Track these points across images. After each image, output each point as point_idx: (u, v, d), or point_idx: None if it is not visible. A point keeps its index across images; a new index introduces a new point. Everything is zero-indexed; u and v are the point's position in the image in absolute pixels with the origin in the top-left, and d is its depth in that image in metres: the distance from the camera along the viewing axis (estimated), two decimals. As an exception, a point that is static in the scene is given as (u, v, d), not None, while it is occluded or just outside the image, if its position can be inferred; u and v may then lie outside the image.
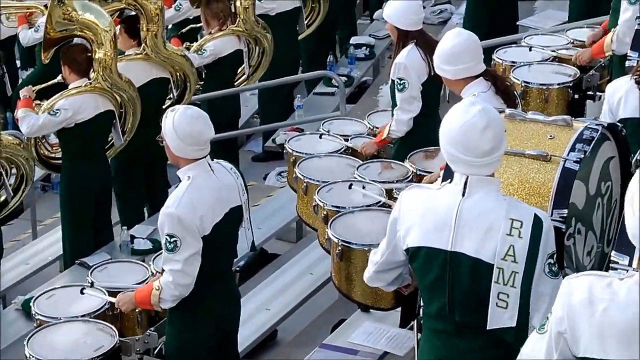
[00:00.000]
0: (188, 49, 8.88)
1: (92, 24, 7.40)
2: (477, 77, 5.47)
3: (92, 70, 7.51)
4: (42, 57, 7.68)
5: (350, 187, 5.92)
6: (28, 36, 9.87)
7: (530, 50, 7.42)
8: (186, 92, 8.36)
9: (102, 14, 7.50)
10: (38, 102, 7.56)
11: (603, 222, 4.45)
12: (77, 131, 7.43)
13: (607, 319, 2.85)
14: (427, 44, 6.45)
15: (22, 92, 7.57)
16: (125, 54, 7.98)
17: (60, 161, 7.78)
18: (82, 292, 5.52)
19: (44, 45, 7.55)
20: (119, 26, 8.09)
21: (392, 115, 6.72)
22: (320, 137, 6.93)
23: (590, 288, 2.90)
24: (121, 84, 7.59)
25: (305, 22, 10.30)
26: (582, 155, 4.14)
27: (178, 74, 8.28)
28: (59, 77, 7.61)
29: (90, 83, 7.47)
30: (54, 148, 7.91)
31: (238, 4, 9.08)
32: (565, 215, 4.07)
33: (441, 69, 5.51)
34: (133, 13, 8.05)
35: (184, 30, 9.43)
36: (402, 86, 6.50)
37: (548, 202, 4.09)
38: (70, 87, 7.48)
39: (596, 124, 4.34)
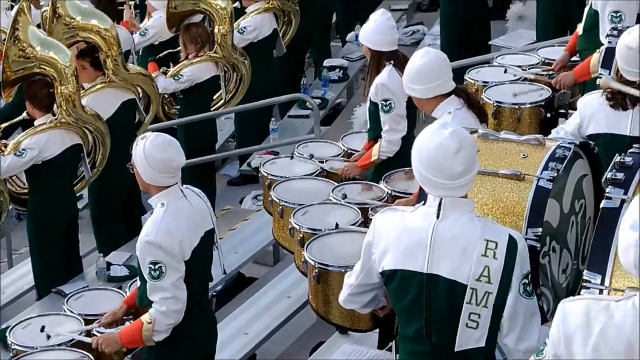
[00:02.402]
0: (165, 73, 8.89)
1: (51, 59, 7.27)
2: (448, 95, 5.50)
3: (55, 105, 7.37)
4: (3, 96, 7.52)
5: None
6: None
7: (505, 72, 7.45)
8: (150, 107, 8.31)
9: (62, 49, 7.37)
10: (5, 141, 7.47)
11: (577, 240, 4.46)
12: (44, 168, 7.33)
13: (603, 341, 2.87)
14: (403, 64, 6.48)
15: None
16: (88, 85, 7.94)
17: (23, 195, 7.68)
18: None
19: (3, 85, 7.39)
20: (81, 60, 8.04)
21: (368, 136, 6.75)
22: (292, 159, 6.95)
23: (587, 310, 2.92)
24: (86, 117, 7.47)
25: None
26: (555, 174, 4.16)
27: (140, 92, 8.22)
28: (24, 114, 7.51)
29: (56, 118, 7.33)
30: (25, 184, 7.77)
31: (216, 30, 9.09)
32: (539, 233, 4.08)
33: (411, 89, 5.53)
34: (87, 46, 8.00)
35: (161, 55, 9.43)
36: (388, 107, 6.52)
37: (522, 221, 4.10)
38: (35, 123, 7.37)
39: (568, 143, 4.37)
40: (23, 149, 7.23)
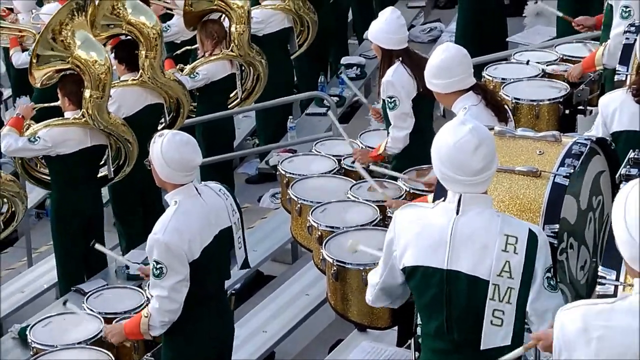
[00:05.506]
0: (182, 70, 8.90)
1: (87, 62, 7.17)
2: (467, 90, 5.51)
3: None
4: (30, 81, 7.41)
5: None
6: (22, 59, 9.85)
7: (527, 63, 7.45)
8: (179, 117, 8.29)
9: (101, 51, 7.25)
10: (32, 122, 7.45)
11: (595, 237, 4.46)
12: (60, 162, 7.35)
13: (604, 346, 2.87)
14: (413, 61, 6.50)
15: (19, 110, 7.50)
16: (121, 79, 7.95)
17: (46, 177, 7.69)
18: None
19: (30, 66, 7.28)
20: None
21: (387, 132, 6.75)
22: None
23: (584, 317, 2.93)
24: (110, 123, 7.38)
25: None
26: (572, 170, 4.16)
27: (172, 99, 8.24)
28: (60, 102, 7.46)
29: (83, 116, 7.29)
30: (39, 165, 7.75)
31: (233, 29, 9.08)
32: (556, 230, 4.08)
33: (431, 84, 5.56)
34: (125, 38, 8.00)
35: (179, 52, 9.44)
36: (393, 104, 6.54)
37: (539, 218, 4.10)
38: (65, 115, 7.38)
39: (585, 139, 4.36)
40: (38, 137, 7.25)
